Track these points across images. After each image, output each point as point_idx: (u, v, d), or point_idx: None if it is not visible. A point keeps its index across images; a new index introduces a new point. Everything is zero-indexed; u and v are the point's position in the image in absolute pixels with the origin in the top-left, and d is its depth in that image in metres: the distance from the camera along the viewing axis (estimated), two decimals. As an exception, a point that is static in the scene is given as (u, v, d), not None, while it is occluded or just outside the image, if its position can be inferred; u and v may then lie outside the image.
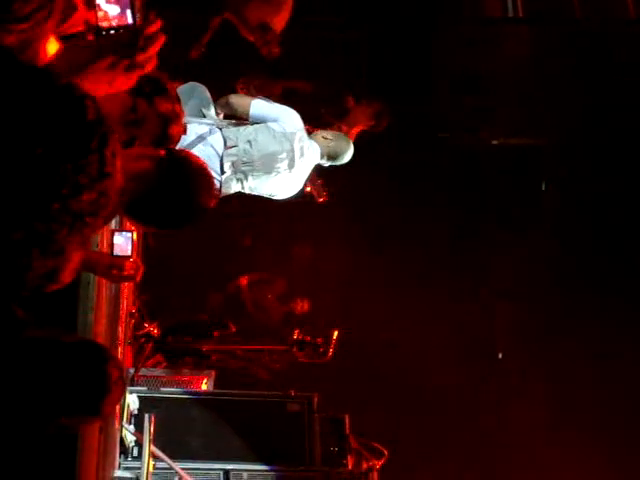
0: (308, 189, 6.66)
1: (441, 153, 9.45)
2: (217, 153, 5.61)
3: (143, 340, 6.45)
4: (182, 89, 5.22)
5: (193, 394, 6.24)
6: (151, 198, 3.03)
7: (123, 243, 3.96)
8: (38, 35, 2.04)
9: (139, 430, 5.53)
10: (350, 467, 6.01)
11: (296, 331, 6.66)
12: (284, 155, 5.78)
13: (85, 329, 4.27)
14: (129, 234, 3.98)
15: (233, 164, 5.68)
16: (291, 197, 6.07)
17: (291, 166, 5.82)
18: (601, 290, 9.04)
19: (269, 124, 5.82)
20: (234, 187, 5.78)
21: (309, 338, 6.59)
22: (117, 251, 3.96)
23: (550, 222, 9.49)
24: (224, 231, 8.47)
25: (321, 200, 6.93)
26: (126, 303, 5.92)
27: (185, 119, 3.52)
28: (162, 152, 3.11)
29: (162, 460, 5.52)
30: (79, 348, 2.46)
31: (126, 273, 4.02)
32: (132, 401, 5.78)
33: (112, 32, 2.28)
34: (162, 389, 6.21)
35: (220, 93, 5.98)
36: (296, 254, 9.34)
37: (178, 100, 3.38)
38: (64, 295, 2.57)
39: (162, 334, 6.58)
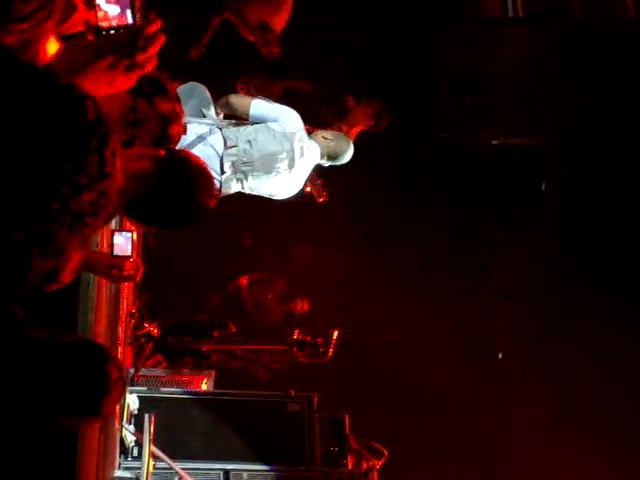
0: (308, 189, 6.65)
1: (441, 153, 9.45)
2: (217, 153, 5.61)
3: (143, 340, 6.45)
4: (182, 89, 5.22)
5: (193, 394, 6.24)
6: (151, 198, 3.03)
7: (123, 243, 3.96)
8: (38, 35, 2.04)
9: (139, 430, 5.53)
10: (350, 467, 6.01)
11: (296, 331, 6.66)
12: (284, 155, 5.78)
13: (85, 329, 4.27)
14: (129, 234, 3.98)
15: (233, 164, 5.68)
16: (291, 197, 6.07)
17: (291, 166, 5.82)
18: (601, 290, 9.04)
19: (269, 124, 5.82)
20: (234, 187, 5.78)
21: (309, 338, 6.59)
22: (117, 251, 3.96)
23: (550, 222, 9.49)
24: (224, 231, 8.47)
25: (321, 200, 6.92)
26: (126, 303, 5.92)
27: (185, 119, 3.52)
28: (162, 152, 3.11)
29: (162, 460, 5.52)
30: (79, 348, 2.46)
31: (126, 273, 4.02)
32: (132, 401, 5.78)
33: (112, 32, 2.28)
34: (162, 389, 6.21)
35: (220, 93, 5.98)
36: (296, 254, 9.33)
37: (178, 100, 3.37)
38: (64, 295, 2.58)
39: (162, 334, 6.58)
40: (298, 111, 5.96)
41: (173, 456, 5.58)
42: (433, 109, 9.36)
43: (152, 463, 5.35)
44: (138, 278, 4.13)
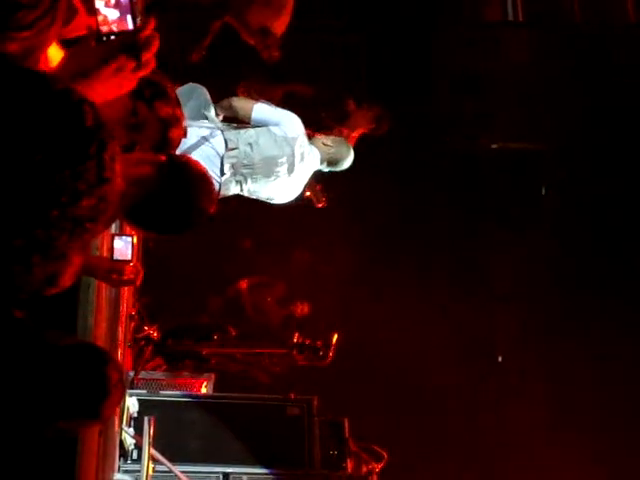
0: (307, 194, 6.65)
1: (441, 155, 9.45)
2: (218, 154, 5.61)
3: (143, 343, 6.45)
4: (181, 90, 5.21)
5: (193, 397, 6.24)
6: (151, 203, 3.02)
7: (123, 247, 3.96)
8: (41, 42, 2.04)
9: (139, 433, 5.53)
10: (350, 470, 6.01)
11: (296, 334, 6.66)
12: (284, 159, 5.77)
13: (85, 332, 4.27)
14: (129, 238, 3.98)
15: (233, 166, 5.67)
16: (290, 202, 6.06)
17: (291, 171, 5.81)
18: (601, 291, 9.04)
19: (271, 128, 5.81)
20: (233, 189, 5.77)
21: (309, 341, 6.60)
22: (117, 255, 3.96)
23: (550, 222, 9.49)
24: (224, 234, 8.46)
25: (320, 205, 6.92)
26: (126, 306, 5.92)
27: (186, 122, 3.52)
28: (163, 157, 3.10)
29: (161, 463, 5.51)
30: (79, 351, 2.46)
31: (126, 277, 4.02)
32: (132, 404, 5.77)
33: (112, 37, 2.28)
34: (162, 392, 6.22)
35: (221, 97, 5.97)
36: (296, 257, 9.33)
37: (178, 103, 3.36)
38: (64, 298, 2.58)
39: (162, 337, 6.58)
40: (298, 115, 5.95)
41: (173, 459, 5.57)
42: (433, 112, 9.35)
43: (152, 466, 5.35)
44: (138, 282, 4.13)
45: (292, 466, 5.87)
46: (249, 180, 5.73)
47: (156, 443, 5.42)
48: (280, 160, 5.76)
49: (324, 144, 6.08)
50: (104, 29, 2.27)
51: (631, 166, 9.14)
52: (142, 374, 6.38)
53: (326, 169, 6.17)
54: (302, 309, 8.75)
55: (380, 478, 6.13)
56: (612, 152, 9.16)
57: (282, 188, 5.87)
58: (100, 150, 1.59)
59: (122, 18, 2.27)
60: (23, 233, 1.54)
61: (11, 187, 1.52)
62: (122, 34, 2.27)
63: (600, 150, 9.20)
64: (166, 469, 5.55)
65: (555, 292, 9.18)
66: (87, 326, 4.32)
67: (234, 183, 5.74)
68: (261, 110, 5.89)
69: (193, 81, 5.75)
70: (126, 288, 5.65)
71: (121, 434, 5.57)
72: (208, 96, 5.79)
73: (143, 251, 6.21)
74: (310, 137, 6.04)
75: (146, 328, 6.51)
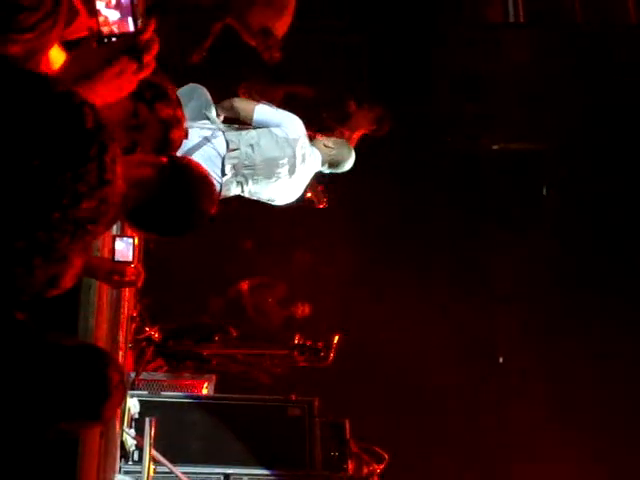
0: (308, 195, 6.65)
1: (442, 155, 9.45)
2: (219, 155, 5.61)
3: (144, 344, 6.45)
4: (182, 91, 5.20)
5: (194, 398, 6.24)
6: (153, 205, 3.02)
7: (124, 249, 3.96)
8: (43, 45, 2.04)
9: (140, 434, 5.54)
10: (351, 472, 6.02)
11: (297, 335, 6.66)
12: (285, 161, 5.77)
13: (86, 333, 4.27)
14: (130, 240, 3.97)
15: (234, 167, 5.67)
16: (291, 203, 6.06)
17: (292, 172, 5.81)
18: (601, 290, 9.04)
19: (272, 129, 5.80)
20: (234, 190, 5.77)
21: (310, 342, 6.60)
22: (118, 257, 3.96)
23: (550, 223, 9.49)
24: (225, 235, 8.46)
25: (321, 206, 6.91)
26: (127, 307, 5.92)
27: (187, 123, 3.51)
28: (164, 159, 3.10)
29: (162, 464, 5.52)
30: (80, 352, 2.46)
31: (127, 279, 4.02)
32: (133, 405, 5.78)
33: (113, 39, 2.28)
34: (163, 393, 6.22)
35: (222, 98, 5.97)
36: (297, 258, 9.33)
37: (179, 104, 3.36)
38: (66, 300, 2.57)
39: (163, 338, 6.59)
40: (299, 116, 5.94)
41: (174, 460, 5.58)
42: (434, 112, 9.36)
43: (153, 467, 5.36)
44: (139, 284, 4.13)
45: (293, 467, 5.87)
46: (250, 181, 5.73)
47: (157, 444, 5.43)
48: (281, 161, 5.75)
49: (325, 146, 6.08)
50: (105, 30, 2.27)
51: (632, 166, 9.14)
52: (143, 375, 6.38)
53: (327, 171, 6.17)
54: (303, 310, 8.76)
55: (381, 479, 6.13)
56: (613, 152, 9.16)
57: (283, 189, 5.86)
58: (101, 152, 1.58)
59: (123, 19, 2.27)
60: (24, 235, 1.54)
61: (12, 189, 1.51)
62: (123, 36, 2.27)
63: (601, 150, 9.20)
64: (167, 470, 5.55)
65: (556, 292, 9.18)
66: (88, 327, 4.32)
67: (235, 184, 5.73)
68: (262, 111, 5.89)
69: (194, 82, 5.75)
70: (127, 289, 5.65)
71: (122, 435, 5.58)
72: (209, 96, 5.78)
73: (144, 252, 6.21)
74: (311, 138, 6.04)
75: (147, 329, 6.51)
